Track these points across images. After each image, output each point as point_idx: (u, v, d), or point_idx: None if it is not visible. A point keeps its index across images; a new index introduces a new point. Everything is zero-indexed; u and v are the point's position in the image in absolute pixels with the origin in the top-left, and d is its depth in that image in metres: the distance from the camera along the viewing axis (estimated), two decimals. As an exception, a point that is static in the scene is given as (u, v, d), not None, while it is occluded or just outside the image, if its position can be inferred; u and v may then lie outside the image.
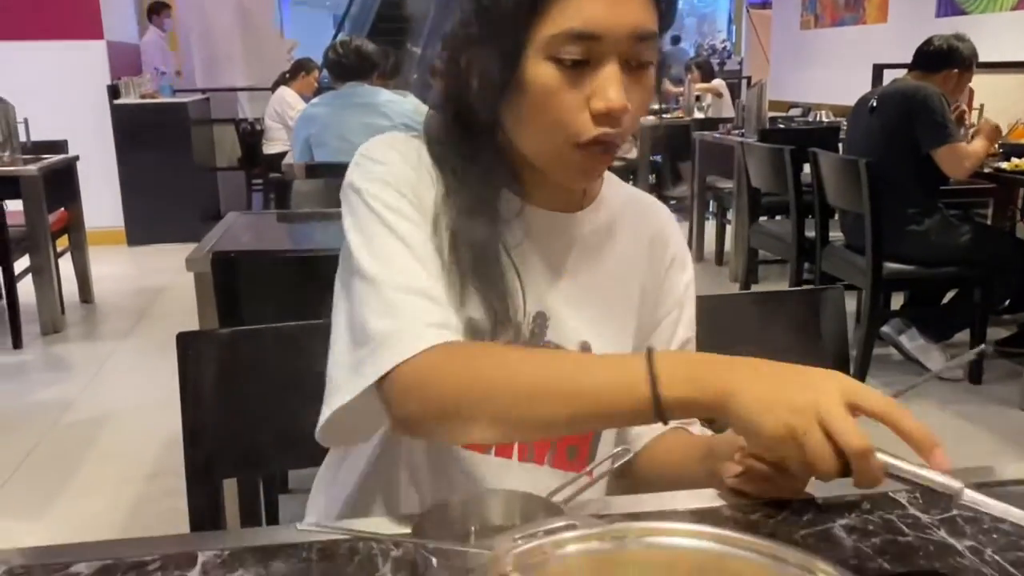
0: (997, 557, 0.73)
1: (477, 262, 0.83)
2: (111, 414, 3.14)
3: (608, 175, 0.95)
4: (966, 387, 3.26)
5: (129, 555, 0.75)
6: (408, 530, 0.72)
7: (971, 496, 0.65)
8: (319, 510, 1.00)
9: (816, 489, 0.85)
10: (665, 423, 0.71)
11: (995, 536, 0.75)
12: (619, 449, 0.83)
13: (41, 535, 2.40)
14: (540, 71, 0.78)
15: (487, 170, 0.85)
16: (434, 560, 0.68)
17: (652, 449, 0.98)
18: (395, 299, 0.78)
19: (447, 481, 0.89)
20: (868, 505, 0.83)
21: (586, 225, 0.92)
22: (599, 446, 0.96)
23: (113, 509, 2.47)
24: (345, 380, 0.78)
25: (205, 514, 1.15)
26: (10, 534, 2.40)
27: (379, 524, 0.82)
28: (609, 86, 0.78)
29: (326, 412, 0.80)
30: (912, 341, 3.37)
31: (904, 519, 0.80)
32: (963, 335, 3.35)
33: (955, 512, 0.79)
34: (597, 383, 0.73)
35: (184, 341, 1.18)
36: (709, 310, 1.34)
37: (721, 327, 1.36)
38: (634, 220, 0.96)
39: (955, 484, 0.64)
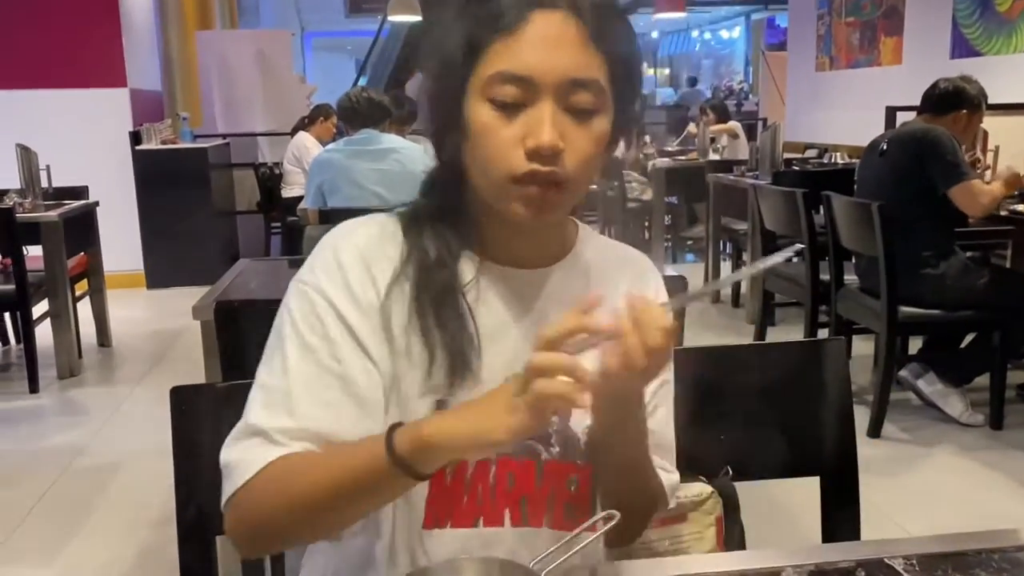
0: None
1: (438, 314, 0.86)
2: (122, 460, 3.14)
3: (588, 231, 0.98)
4: (987, 433, 3.19)
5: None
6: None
7: None
8: (318, 568, 0.97)
9: (811, 555, 0.83)
10: (419, 479, 0.76)
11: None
12: (604, 514, 0.81)
13: (48, 583, 2.40)
14: (479, 110, 0.83)
15: (452, 227, 0.90)
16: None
17: None
18: (241, 429, 0.85)
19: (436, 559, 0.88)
20: (863, 573, 0.81)
21: (555, 281, 0.93)
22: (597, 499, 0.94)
23: (122, 558, 2.46)
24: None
25: (196, 571, 1.14)
26: (18, 582, 2.40)
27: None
28: (539, 125, 0.81)
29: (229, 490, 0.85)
30: (930, 386, 3.31)
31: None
32: (983, 379, 3.29)
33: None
34: (353, 463, 0.79)
35: (178, 395, 1.18)
36: (715, 360, 1.34)
37: (726, 377, 1.35)
38: (615, 275, 0.97)
39: None
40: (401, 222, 0.92)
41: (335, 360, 0.85)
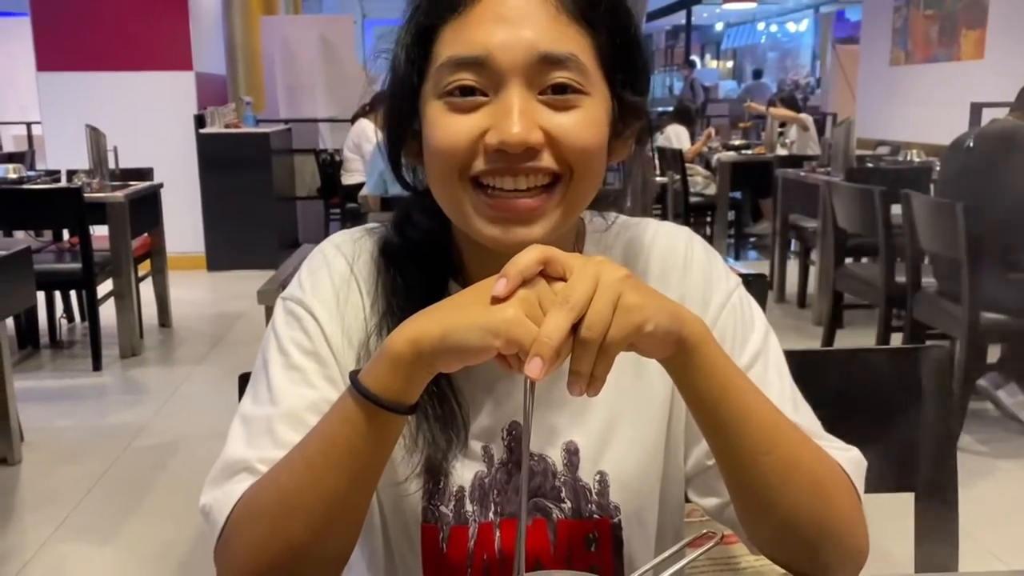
0: None
1: None
2: (181, 440, 3.16)
3: (599, 232, 0.83)
4: (1071, 448, 3.04)
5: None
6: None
7: None
8: None
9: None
10: (402, 411, 0.63)
11: None
12: (705, 532, 0.74)
13: (110, 562, 2.41)
14: (432, 110, 0.71)
15: (428, 262, 0.78)
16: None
17: None
18: (220, 467, 0.75)
19: None
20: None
21: None
22: (623, 531, 0.81)
23: (180, 539, 2.47)
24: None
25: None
26: (80, 559, 2.42)
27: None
28: (503, 116, 0.67)
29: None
30: (1011, 397, 3.17)
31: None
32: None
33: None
34: (322, 427, 0.67)
35: (245, 382, 1.14)
36: (802, 365, 1.25)
37: (814, 384, 1.27)
38: (641, 275, 0.81)
39: None
40: (379, 250, 0.80)
41: (326, 380, 0.75)
